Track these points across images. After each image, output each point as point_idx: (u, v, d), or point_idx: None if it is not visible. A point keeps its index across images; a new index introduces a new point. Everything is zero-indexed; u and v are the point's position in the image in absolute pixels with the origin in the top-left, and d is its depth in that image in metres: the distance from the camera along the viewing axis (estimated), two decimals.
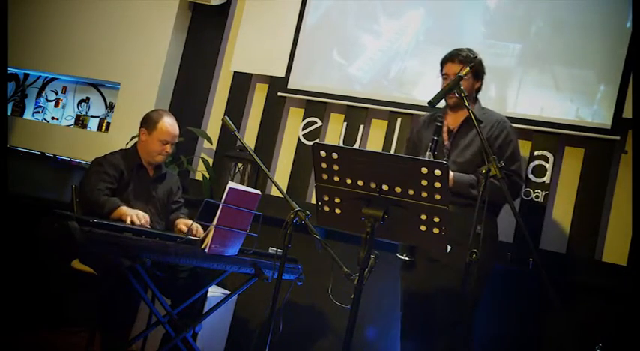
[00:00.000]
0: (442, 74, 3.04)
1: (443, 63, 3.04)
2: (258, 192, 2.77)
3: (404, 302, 3.09)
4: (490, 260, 2.94)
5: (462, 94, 2.60)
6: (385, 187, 2.22)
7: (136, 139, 3.65)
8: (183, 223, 3.23)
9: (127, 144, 3.96)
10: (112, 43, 4.74)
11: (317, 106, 4.13)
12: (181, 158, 4.20)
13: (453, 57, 2.99)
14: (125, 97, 4.67)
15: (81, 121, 4.92)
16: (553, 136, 3.51)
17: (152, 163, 3.29)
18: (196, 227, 3.00)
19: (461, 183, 2.86)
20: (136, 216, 2.93)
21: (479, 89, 3.07)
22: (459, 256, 2.50)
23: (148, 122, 3.28)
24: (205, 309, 3.22)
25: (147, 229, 2.84)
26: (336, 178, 2.28)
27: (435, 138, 2.90)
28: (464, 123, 3.00)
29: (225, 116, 2.95)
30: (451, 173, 2.82)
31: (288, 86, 4.19)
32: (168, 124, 3.26)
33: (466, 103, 2.60)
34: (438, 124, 2.92)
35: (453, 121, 3.04)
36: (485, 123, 2.96)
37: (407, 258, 2.92)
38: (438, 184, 2.15)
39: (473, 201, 2.80)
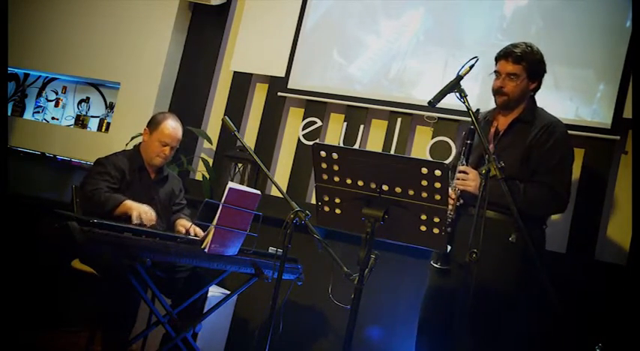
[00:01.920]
0: (495, 72, 2.81)
1: (497, 60, 2.81)
2: (258, 192, 2.77)
3: (428, 300, 2.90)
4: (520, 271, 2.70)
5: (463, 95, 2.58)
6: (385, 187, 2.22)
7: (135, 140, 3.65)
8: (181, 225, 3.23)
9: (126, 144, 3.96)
10: (112, 43, 4.74)
11: (317, 106, 4.13)
12: (181, 158, 4.20)
13: (507, 55, 2.76)
14: (125, 97, 4.67)
15: (81, 121, 4.92)
16: None
17: (151, 164, 3.28)
18: (194, 230, 3.00)
19: (491, 193, 2.57)
20: (144, 212, 2.91)
21: (536, 89, 2.84)
22: (488, 266, 2.44)
23: (152, 123, 3.28)
24: (205, 309, 3.22)
25: (149, 229, 2.84)
26: (336, 178, 2.28)
27: (469, 141, 2.72)
28: (511, 125, 2.80)
29: (225, 116, 2.95)
30: (470, 171, 2.71)
31: (288, 86, 4.19)
32: (171, 126, 3.25)
33: (466, 104, 2.57)
34: (472, 126, 2.68)
35: (502, 122, 2.85)
36: (535, 126, 2.76)
37: (442, 267, 2.78)
38: (438, 184, 2.14)
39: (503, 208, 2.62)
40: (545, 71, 2.83)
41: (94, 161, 3.22)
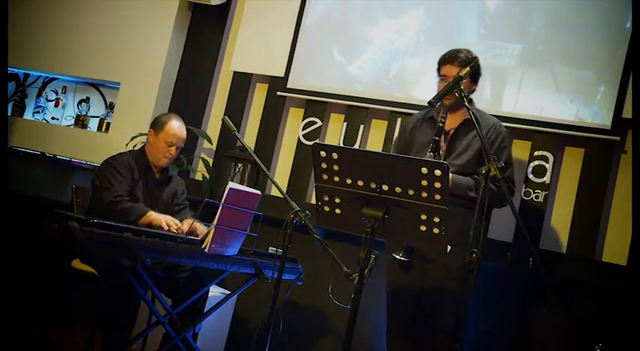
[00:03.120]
0: (439, 75, 3.00)
1: (441, 64, 3.00)
2: (258, 192, 2.77)
3: (393, 300, 3.04)
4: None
5: (463, 95, 2.59)
6: (385, 187, 2.22)
7: (135, 140, 3.65)
8: (185, 224, 3.21)
9: (127, 144, 3.96)
10: (112, 43, 4.74)
11: (317, 106, 4.13)
12: (181, 158, 4.19)
13: (452, 58, 2.95)
14: (125, 97, 4.67)
15: (81, 121, 4.92)
16: (553, 136, 3.51)
17: (157, 165, 3.29)
18: (197, 226, 3.00)
19: (460, 185, 2.84)
20: (170, 221, 2.97)
21: (473, 91, 3.05)
22: (456, 257, 2.51)
23: (157, 123, 3.29)
24: (205, 309, 3.22)
25: (149, 229, 2.84)
26: (336, 178, 2.28)
27: (437, 138, 2.86)
28: (461, 125, 2.98)
29: (225, 116, 2.95)
30: (450, 175, 2.81)
31: (288, 86, 4.18)
32: (176, 126, 3.26)
33: (467, 104, 2.60)
34: (440, 124, 2.87)
35: (449, 122, 3.00)
36: (481, 126, 2.86)
37: (403, 258, 2.86)
38: (438, 184, 2.15)
39: (471, 202, 2.80)
40: (480, 75, 3.00)
41: (103, 162, 3.20)
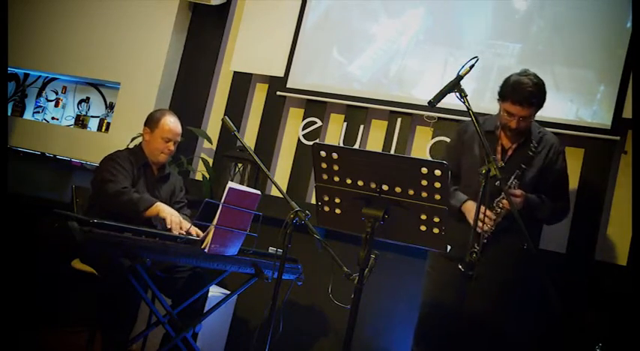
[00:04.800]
0: (505, 111, 2.82)
1: (507, 99, 2.81)
2: (258, 192, 2.77)
3: (432, 314, 2.96)
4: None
5: (463, 95, 2.58)
6: (385, 187, 2.22)
7: (136, 140, 3.65)
8: (192, 230, 3.14)
9: (127, 144, 3.96)
10: (112, 43, 4.74)
11: (317, 106, 4.13)
12: (181, 158, 4.20)
13: (522, 102, 2.76)
14: (125, 97, 4.67)
15: (81, 121, 4.92)
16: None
17: (155, 162, 3.29)
18: (195, 232, 2.99)
19: (530, 206, 2.81)
20: (176, 217, 2.96)
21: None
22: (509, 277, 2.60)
23: (151, 121, 3.29)
24: (205, 309, 3.22)
25: (149, 229, 2.84)
26: (336, 178, 2.28)
27: (524, 166, 2.84)
28: (523, 144, 2.91)
29: (225, 116, 2.95)
30: (520, 193, 2.79)
31: (288, 86, 4.18)
32: (171, 121, 3.27)
33: (467, 104, 2.58)
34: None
35: (507, 141, 2.93)
36: (543, 145, 2.90)
37: (470, 272, 2.79)
38: (437, 184, 2.14)
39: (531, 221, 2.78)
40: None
41: (104, 158, 3.19)
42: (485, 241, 2.76)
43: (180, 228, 2.96)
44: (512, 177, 2.81)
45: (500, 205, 2.80)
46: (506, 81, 2.80)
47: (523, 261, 2.75)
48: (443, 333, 2.92)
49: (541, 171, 2.89)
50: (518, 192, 2.80)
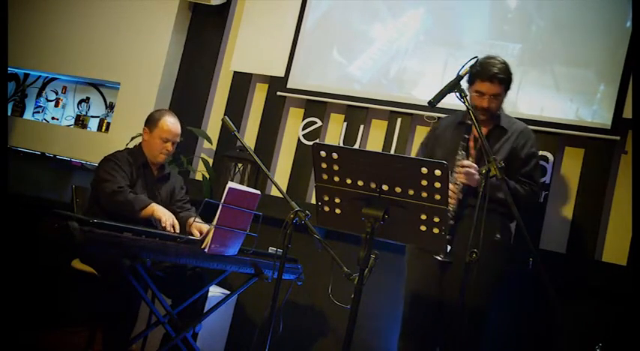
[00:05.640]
0: (476, 91, 2.90)
1: (477, 79, 2.88)
2: (258, 192, 2.77)
3: (414, 305, 3.01)
4: (502, 267, 2.97)
5: (463, 95, 2.59)
6: (385, 187, 2.22)
7: (136, 140, 3.65)
8: (197, 228, 3.11)
9: (127, 144, 3.96)
10: (112, 43, 4.74)
11: (317, 106, 4.13)
12: (181, 158, 4.20)
13: (491, 78, 2.85)
14: (125, 97, 4.67)
15: (81, 121, 4.92)
16: (553, 136, 3.51)
17: (154, 162, 3.30)
18: (197, 228, 3.00)
19: (492, 184, 2.76)
20: (170, 218, 2.97)
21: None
22: (485, 271, 2.55)
23: (150, 121, 3.29)
24: (205, 309, 3.22)
25: (149, 229, 2.84)
26: (336, 178, 2.28)
27: (467, 136, 2.89)
28: (492, 131, 2.97)
29: (225, 116, 2.95)
30: (469, 164, 2.84)
31: (288, 86, 4.18)
32: (170, 122, 3.27)
33: (467, 104, 2.60)
34: (470, 122, 2.87)
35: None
36: (510, 131, 2.96)
37: (446, 260, 2.84)
38: (437, 184, 2.15)
39: (497, 205, 2.79)
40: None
41: (103, 159, 3.20)
42: (451, 221, 2.84)
43: (173, 228, 2.97)
44: (460, 150, 2.86)
45: (455, 178, 2.86)
46: (474, 65, 2.79)
47: (493, 250, 2.79)
48: (426, 324, 2.96)
49: (510, 154, 2.91)
50: (466, 163, 2.85)
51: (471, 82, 2.93)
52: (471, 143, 2.95)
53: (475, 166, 2.84)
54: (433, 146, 3.10)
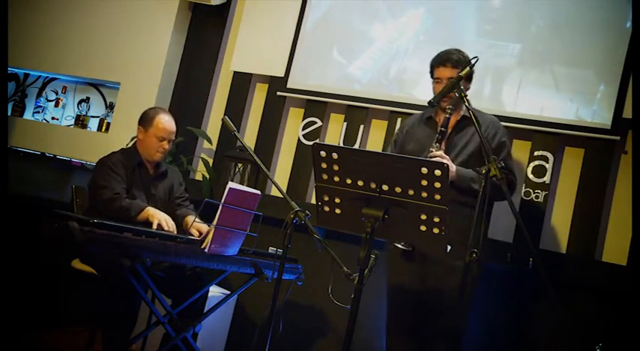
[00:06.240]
0: (433, 78, 3.01)
1: (434, 67, 3.01)
2: (258, 192, 2.77)
3: (394, 298, 3.03)
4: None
5: (462, 95, 2.60)
6: (385, 187, 2.22)
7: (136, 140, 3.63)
8: (195, 228, 3.06)
9: (127, 144, 3.96)
10: (112, 43, 4.74)
11: (317, 106, 4.13)
12: (181, 158, 4.20)
13: (444, 61, 2.96)
14: (125, 97, 4.67)
15: (81, 121, 4.92)
16: (553, 136, 3.51)
17: (150, 161, 3.29)
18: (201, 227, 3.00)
19: (463, 176, 2.85)
20: (165, 221, 2.97)
21: (468, 89, 3.02)
22: (457, 255, 2.52)
23: (145, 119, 3.28)
24: (205, 309, 3.22)
25: (149, 229, 2.84)
26: (336, 178, 2.28)
27: (444, 129, 2.88)
28: (459, 122, 2.99)
29: (225, 116, 2.95)
30: (453, 166, 2.83)
31: (288, 86, 4.18)
32: (164, 120, 3.26)
33: (466, 104, 2.60)
34: (448, 116, 2.87)
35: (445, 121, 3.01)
36: (481, 122, 2.92)
37: (405, 248, 2.87)
38: (437, 184, 2.15)
39: (472, 198, 2.79)
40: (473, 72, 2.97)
41: (98, 162, 3.21)
42: None
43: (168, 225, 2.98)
44: (434, 142, 2.85)
45: None
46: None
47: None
48: (411, 319, 2.96)
49: (479, 147, 2.91)
50: (438, 153, 2.85)
51: (431, 72, 3.02)
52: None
53: (447, 156, 2.85)
54: (403, 143, 3.13)
